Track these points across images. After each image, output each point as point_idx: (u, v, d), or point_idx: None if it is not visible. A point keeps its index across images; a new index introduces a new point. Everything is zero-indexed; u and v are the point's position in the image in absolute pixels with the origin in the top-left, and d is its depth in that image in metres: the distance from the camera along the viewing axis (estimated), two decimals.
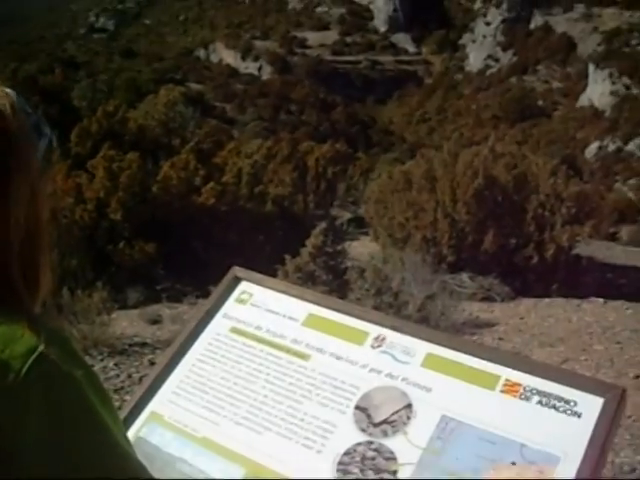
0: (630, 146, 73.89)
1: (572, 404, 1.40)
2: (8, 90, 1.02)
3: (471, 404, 1.46)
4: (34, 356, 0.88)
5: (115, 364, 6.66)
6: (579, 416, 1.38)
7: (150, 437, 1.62)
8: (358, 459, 1.43)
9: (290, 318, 1.71)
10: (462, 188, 9.55)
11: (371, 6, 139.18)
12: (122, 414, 1.61)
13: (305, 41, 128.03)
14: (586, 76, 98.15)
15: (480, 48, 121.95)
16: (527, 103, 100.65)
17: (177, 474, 1.52)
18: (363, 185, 16.24)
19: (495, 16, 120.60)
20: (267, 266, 7.13)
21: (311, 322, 1.68)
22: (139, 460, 0.99)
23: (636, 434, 5.51)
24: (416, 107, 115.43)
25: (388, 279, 6.48)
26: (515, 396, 1.45)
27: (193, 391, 1.66)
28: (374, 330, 1.62)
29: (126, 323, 8.29)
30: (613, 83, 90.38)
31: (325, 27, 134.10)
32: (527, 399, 1.44)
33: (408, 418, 1.47)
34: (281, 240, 10.12)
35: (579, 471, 1.30)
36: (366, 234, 12.97)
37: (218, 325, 1.77)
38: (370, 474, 1.40)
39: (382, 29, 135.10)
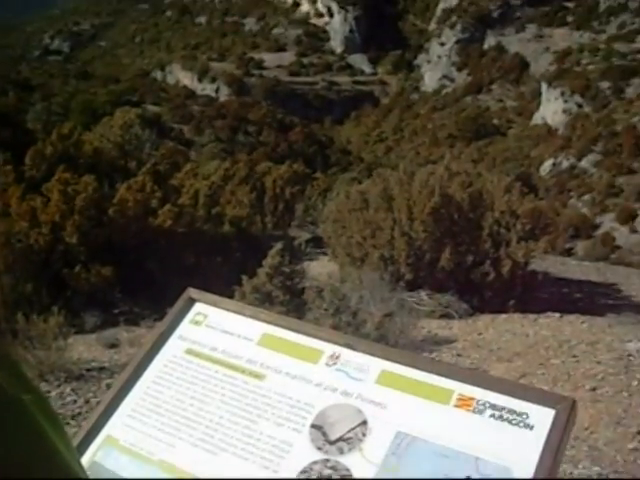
0: (583, 163, 75.21)
1: (524, 416, 1.41)
2: None
3: (425, 419, 1.47)
4: None
5: (72, 389, 6.56)
6: (531, 428, 1.40)
7: (105, 461, 1.60)
8: (315, 477, 1.43)
9: (245, 338, 1.71)
10: (418, 207, 9.63)
11: (327, 27, 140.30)
12: (77, 439, 1.59)
13: (262, 62, 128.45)
14: (539, 95, 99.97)
15: (435, 68, 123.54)
16: (482, 122, 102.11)
17: None
18: (321, 205, 16.28)
19: (449, 37, 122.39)
20: (225, 287, 7.10)
21: (266, 342, 1.68)
22: None
23: (593, 445, 5.58)
24: (373, 127, 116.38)
25: (346, 298, 6.50)
26: (469, 410, 1.46)
27: (148, 414, 1.64)
28: (329, 348, 1.62)
29: (83, 348, 8.18)
30: (565, 101, 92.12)
31: (282, 48, 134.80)
32: (480, 413, 1.45)
33: (363, 435, 1.47)
34: (239, 261, 10.09)
35: None
36: (325, 254, 12.99)
37: (173, 347, 1.76)
38: None
39: (339, 50, 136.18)
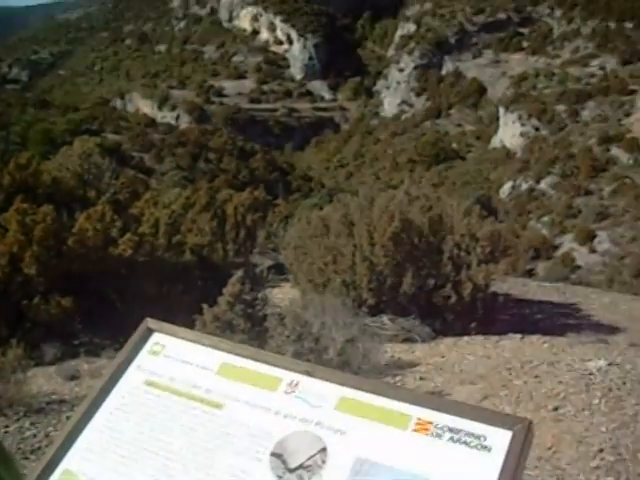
0: (542, 185, 76.26)
1: (482, 439, 1.43)
2: None
3: (384, 445, 1.48)
4: None
5: (32, 423, 6.45)
6: (489, 450, 1.42)
7: None
8: None
9: (204, 368, 1.71)
10: (379, 232, 9.68)
11: (287, 55, 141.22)
12: (35, 472, 1.58)
13: (222, 90, 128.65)
14: (497, 119, 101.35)
15: (394, 94, 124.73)
16: (441, 146, 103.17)
17: None
18: (283, 231, 16.29)
19: (408, 63, 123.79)
20: (186, 316, 7.06)
21: (225, 371, 1.68)
22: None
23: (557, 465, 5.62)
24: (334, 153, 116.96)
25: (308, 324, 6.49)
26: (427, 434, 1.48)
27: (107, 446, 1.63)
28: (287, 376, 1.63)
29: (43, 380, 8.05)
30: (523, 125, 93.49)
31: (242, 76, 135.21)
32: (439, 436, 1.46)
33: (323, 462, 1.48)
34: (201, 289, 10.04)
35: None
36: (287, 280, 12.98)
37: (131, 378, 1.75)
38: None
39: (298, 77, 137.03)
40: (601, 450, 5.84)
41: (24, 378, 7.03)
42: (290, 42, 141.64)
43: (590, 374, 7.77)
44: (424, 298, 10.04)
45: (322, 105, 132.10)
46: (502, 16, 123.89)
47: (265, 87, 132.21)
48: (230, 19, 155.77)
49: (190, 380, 1.67)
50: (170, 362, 1.73)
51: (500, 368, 8.25)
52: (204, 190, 18.73)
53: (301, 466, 1.48)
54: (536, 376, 7.85)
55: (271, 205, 22.19)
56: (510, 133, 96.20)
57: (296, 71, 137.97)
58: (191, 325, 6.23)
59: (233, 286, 5.94)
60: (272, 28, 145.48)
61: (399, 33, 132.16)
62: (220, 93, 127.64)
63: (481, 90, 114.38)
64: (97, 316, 10.01)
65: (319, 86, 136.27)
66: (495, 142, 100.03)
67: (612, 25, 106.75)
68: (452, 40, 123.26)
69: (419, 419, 1.48)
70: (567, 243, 60.78)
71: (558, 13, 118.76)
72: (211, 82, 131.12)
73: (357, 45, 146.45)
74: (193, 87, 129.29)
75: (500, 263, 10.49)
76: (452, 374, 8.20)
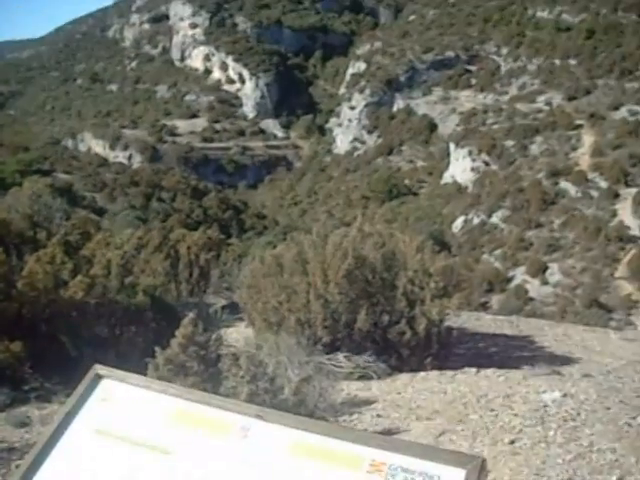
0: (493, 218, 77.35)
1: (436, 478, 1.42)
2: None
3: None
4: None
5: None
6: None
7: None
8: None
9: (153, 414, 1.68)
10: (333, 269, 9.69)
11: (239, 94, 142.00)
12: None
13: (175, 129, 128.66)
14: (448, 154, 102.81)
15: (346, 131, 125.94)
16: (394, 182, 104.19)
17: None
18: (237, 270, 16.23)
19: (359, 101, 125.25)
20: (140, 358, 6.95)
21: (175, 417, 1.66)
22: None
23: None
24: (287, 190, 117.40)
25: (263, 364, 6.45)
26: (381, 475, 1.47)
27: None
28: (239, 420, 1.61)
29: None
30: (473, 160, 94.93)
31: (194, 115, 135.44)
32: (393, 477, 1.46)
33: None
34: (154, 331, 9.92)
35: None
36: (242, 319, 12.90)
37: (79, 426, 1.71)
38: None
39: (251, 115, 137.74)
40: None
41: None
42: (242, 81, 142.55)
43: (545, 406, 7.83)
44: (379, 334, 10.04)
45: (275, 143, 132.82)
46: (450, 54, 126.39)
47: (218, 126, 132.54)
48: (182, 58, 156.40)
49: (140, 427, 1.64)
50: (119, 409, 1.70)
51: (456, 403, 8.27)
52: (157, 230, 18.60)
53: None
54: (492, 410, 7.88)
55: (225, 244, 22.13)
56: (461, 168, 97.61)
57: (248, 110, 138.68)
58: (144, 368, 6.13)
59: (185, 328, 5.87)
60: (224, 67, 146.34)
61: (350, 71, 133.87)
62: (173, 132, 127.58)
63: (432, 126, 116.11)
64: (48, 360, 9.81)
65: (272, 124, 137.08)
66: (446, 177, 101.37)
67: (557, 62, 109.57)
68: (402, 78, 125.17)
69: (373, 460, 1.48)
70: (520, 275, 61.60)
71: (505, 51, 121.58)
72: (164, 121, 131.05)
73: (309, 83, 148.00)
74: (145, 126, 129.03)
75: (454, 297, 10.54)
76: (409, 410, 8.19)
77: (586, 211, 69.29)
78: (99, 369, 1.78)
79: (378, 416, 7.99)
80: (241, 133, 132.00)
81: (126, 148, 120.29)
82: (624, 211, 67.41)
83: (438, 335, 10.27)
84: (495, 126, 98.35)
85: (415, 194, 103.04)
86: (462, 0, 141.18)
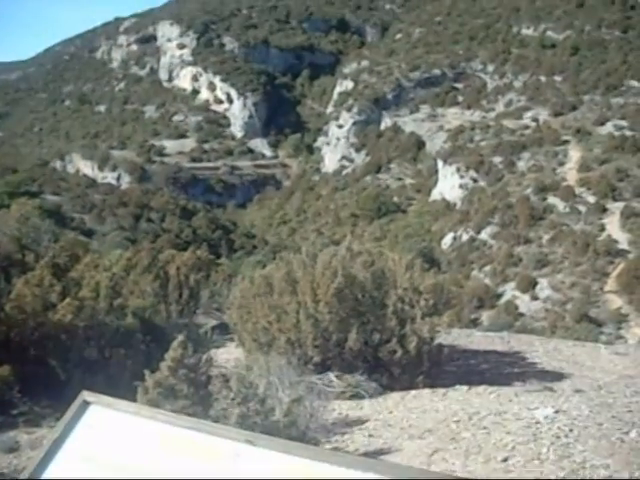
0: (482, 235, 77.53)
1: None
2: None
3: None
4: None
5: None
6: None
7: None
8: None
9: (142, 441, 1.66)
10: (322, 288, 9.68)
11: (227, 113, 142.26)
12: None
13: (163, 149, 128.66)
14: (436, 172, 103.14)
15: (334, 150, 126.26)
16: (383, 200, 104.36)
17: None
18: (226, 291, 16.18)
19: (347, 119, 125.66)
20: (129, 381, 6.90)
21: (164, 443, 1.64)
22: None
23: None
24: (276, 209, 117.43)
25: (253, 385, 6.41)
26: None
27: None
28: (229, 446, 1.59)
29: None
30: (461, 177, 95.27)
31: (182, 135, 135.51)
32: None
33: None
34: (144, 353, 9.86)
35: None
36: (232, 340, 12.86)
37: (67, 453, 1.69)
38: None
39: (239, 135, 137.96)
40: None
41: None
42: (230, 101, 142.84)
43: (537, 423, 7.81)
44: (370, 353, 10.02)
45: (263, 162, 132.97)
46: (437, 72, 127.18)
47: (206, 146, 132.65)
48: (170, 79, 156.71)
49: (128, 453, 1.62)
50: (108, 436, 1.68)
51: (448, 421, 8.24)
52: (146, 251, 18.55)
53: None
54: (484, 427, 7.86)
55: (214, 264, 22.09)
56: (449, 185, 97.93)
57: (237, 129, 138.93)
58: (133, 391, 6.09)
59: (175, 351, 5.83)
60: (212, 87, 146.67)
61: (337, 90, 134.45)
62: (161, 152, 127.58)
63: (419, 144, 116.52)
64: (37, 384, 9.73)
65: (260, 144, 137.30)
66: (435, 194, 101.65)
67: (542, 78, 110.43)
68: (389, 96, 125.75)
69: None
70: (509, 291, 61.71)
71: (491, 68, 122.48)
72: (152, 142, 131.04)
73: (297, 103, 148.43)
74: (134, 147, 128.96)
75: (444, 315, 10.54)
76: (401, 429, 8.16)
77: (574, 226, 69.56)
78: (87, 395, 1.76)
79: (370, 436, 7.95)
80: (229, 153, 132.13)
81: (115, 169, 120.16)
82: (612, 225, 67.75)
83: (429, 353, 10.26)
84: (482, 143, 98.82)
85: (404, 211, 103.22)
86: (448, 18, 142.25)
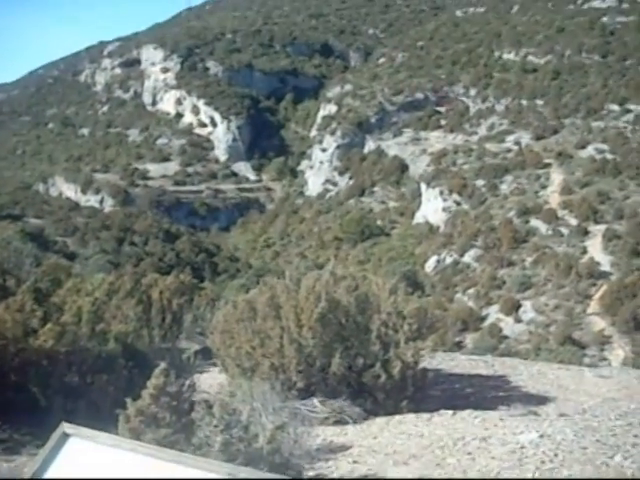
0: (466, 258, 77.71)
1: None
2: None
3: None
4: None
5: None
6: None
7: None
8: None
9: (122, 474, 1.63)
10: (306, 313, 9.64)
11: (211, 137, 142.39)
12: None
13: (147, 172, 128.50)
14: (419, 195, 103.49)
15: (318, 173, 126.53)
16: (366, 223, 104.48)
17: None
18: (210, 315, 16.09)
19: (330, 143, 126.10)
20: (111, 408, 6.82)
21: (145, 476, 1.61)
22: None
23: None
24: (260, 233, 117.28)
25: (237, 412, 6.35)
26: None
27: None
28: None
29: None
30: (444, 200, 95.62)
31: (166, 158, 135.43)
32: None
33: None
34: (126, 379, 9.77)
35: None
36: (215, 364, 12.77)
37: None
38: None
39: (223, 158, 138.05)
40: None
41: None
42: (214, 124, 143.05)
43: (522, 447, 7.79)
44: (354, 378, 9.98)
45: (247, 186, 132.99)
46: (420, 96, 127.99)
47: (190, 169, 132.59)
48: (154, 102, 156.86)
49: None
50: (87, 468, 1.65)
51: (433, 447, 8.20)
52: (129, 275, 18.45)
53: None
54: (469, 453, 7.83)
55: (197, 288, 21.97)
56: (432, 208, 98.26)
57: (220, 153, 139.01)
58: (115, 419, 6.01)
59: (157, 379, 5.76)
60: (195, 111, 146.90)
61: (321, 114, 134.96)
62: (144, 176, 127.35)
63: (403, 167, 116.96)
64: (17, 411, 9.62)
65: (243, 167, 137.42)
66: (418, 217, 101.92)
67: (524, 102, 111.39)
68: (373, 120, 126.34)
69: None
70: (493, 314, 61.79)
71: (473, 92, 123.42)
72: (135, 165, 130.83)
73: (280, 126, 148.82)
74: (117, 170, 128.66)
75: (428, 339, 10.53)
76: (385, 455, 8.11)
77: (557, 248, 69.89)
78: (66, 427, 1.72)
79: (354, 462, 7.89)
80: (213, 176, 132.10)
81: (98, 192, 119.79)
82: (594, 247, 68.13)
83: (413, 377, 10.23)
84: (465, 166, 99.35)
85: (387, 235, 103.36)
86: (430, 43, 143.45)
